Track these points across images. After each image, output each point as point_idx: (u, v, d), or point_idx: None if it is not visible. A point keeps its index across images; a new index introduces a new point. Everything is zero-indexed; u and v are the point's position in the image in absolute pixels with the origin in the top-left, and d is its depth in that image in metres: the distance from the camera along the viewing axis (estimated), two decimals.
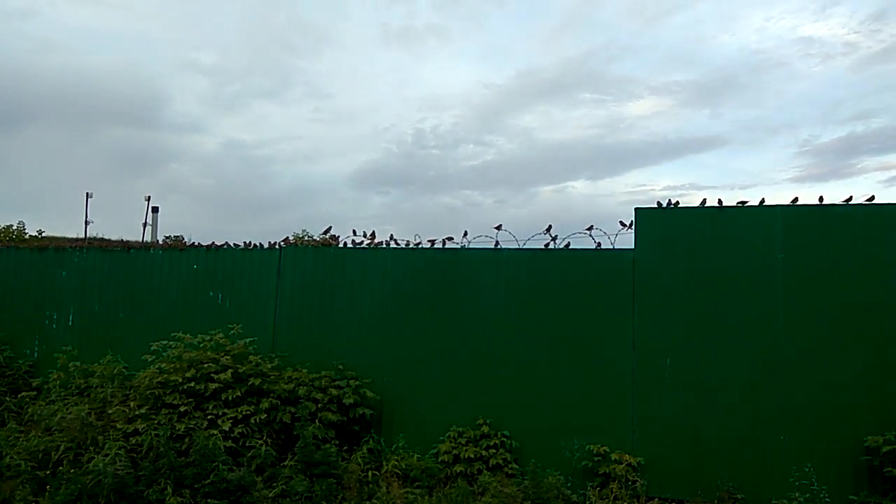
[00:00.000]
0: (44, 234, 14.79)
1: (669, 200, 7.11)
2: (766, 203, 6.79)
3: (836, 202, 6.64)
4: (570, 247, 7.39)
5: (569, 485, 6.65)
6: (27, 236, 15.30)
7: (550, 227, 7.52)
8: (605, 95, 36.37)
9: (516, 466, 6.90)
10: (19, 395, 7.87)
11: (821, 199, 6.66)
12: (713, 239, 6.87)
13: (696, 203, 7.02)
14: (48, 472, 6.40)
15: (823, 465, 6.30)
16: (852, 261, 6.50)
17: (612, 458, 6.69)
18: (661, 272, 6.97)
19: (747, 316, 6.68)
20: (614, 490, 6.47)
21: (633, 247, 7.11)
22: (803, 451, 6.37)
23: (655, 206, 7.10)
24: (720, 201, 6.91)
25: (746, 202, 6.86)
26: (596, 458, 6.75)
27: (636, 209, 7.11)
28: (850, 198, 6.61)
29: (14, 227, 15.81)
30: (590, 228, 7.36)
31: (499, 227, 7.69)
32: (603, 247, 7.25)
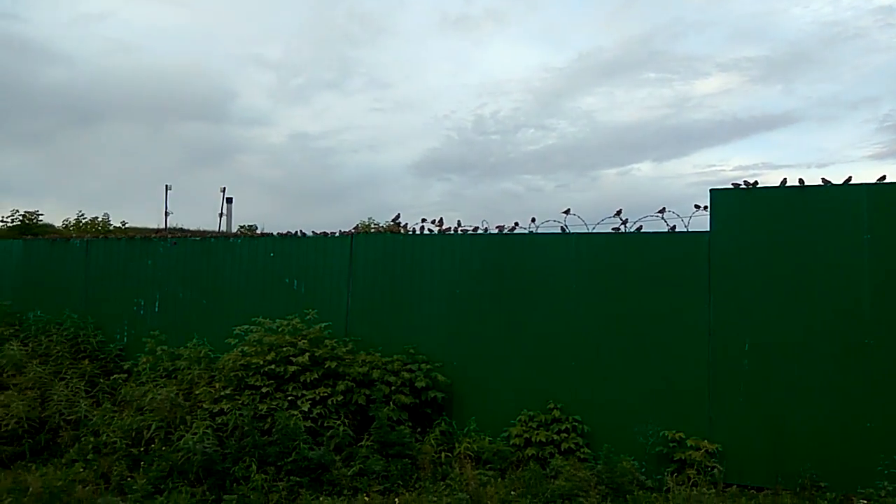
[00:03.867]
0: (127, 226, 15.61)
1: (746, 181, 6.89)
2: (851, 181, 6.49)
3: None
4: (642, 230, 7.28)
5: (643, 470, 6.60)
6: (112, 228, 16.17)
7: (620, 210, 7.43)
8: (671, 74, 35.32)
9: (588, 451, 6.89)
10: (111, 377, 8.36)
11: None
12: (794, 220, 6.62)
13: (774, 182, 6.77)
14: (141, 449, 6.77)
15: None
16: None
17: (688, 445, 6.59)
18: (739, 255, 6.78)
19: (831, 298, 6.43)
20: (691, 476, 6.38)
21: (707, 229, 6.95)
22: (892, 438, 6.11)
23: (731, 186, 6.90)
24: (801, 181, 6.66)
25: (829, 181, 6.59)
26: (671, 444, 6.67)
27: (711, 190, 6.93)
28: None
29: (100, 220, 16.72)
30: (661, 211, 7.22)
31: (567, 212, 7.65)
32: (677, 230, 7.11)
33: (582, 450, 6.87)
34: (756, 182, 6.84)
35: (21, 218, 17.73)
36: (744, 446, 6.58)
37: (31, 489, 6.14)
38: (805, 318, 6.50)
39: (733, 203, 6.85)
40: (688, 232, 7.05)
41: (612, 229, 7.41)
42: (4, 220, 17.84)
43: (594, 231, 7.46)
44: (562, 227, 7.64)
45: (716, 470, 6.38)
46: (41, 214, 18.07)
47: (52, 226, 17.74)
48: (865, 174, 6.67)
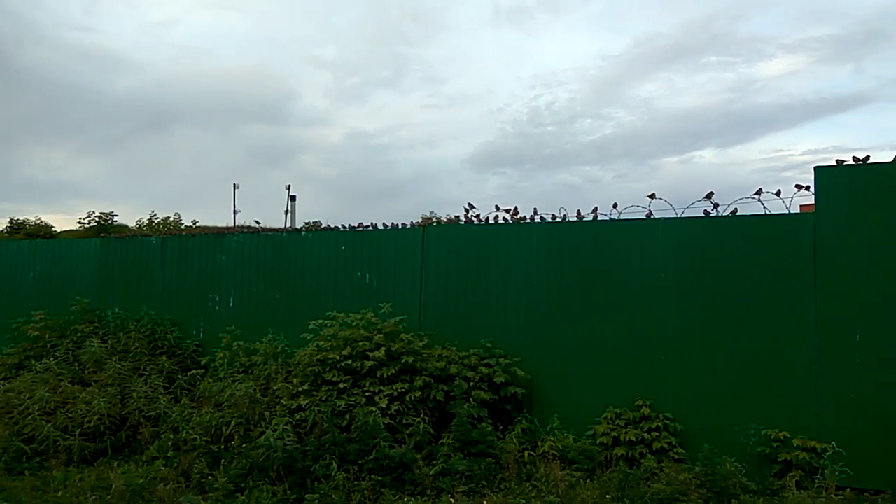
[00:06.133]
0: (198, 224, 15.92)
1: (855, 156, 6.30)
2: None
3: None
4: (737, 213, 6.78)
5: (743, 472, 6.12)
6: (183, 227, 16.52)
7: (711, 193, 6.96)
8: (734, 57, 33.92)
9: (682, 451, 6.46)
10: (189, 373, 8.36)
11: None
12: None
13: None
14: (221, 446, 6.71)
15: None
16: None
17: (794, 444, 6.09)
18: (851, 238, 6.20)
19: None
20: (798, 479, 5.87)
21: (810, 212, 6.39)
22: None
23: (836, 163, 6.32)
24: None
25: None
26: (774, 444, 6.18)
27: (817, 168, 6.36)
28: None
29: (171, 219, 17.14)
30: (758, 192, 6.72)
31: (652, 196, 7.21)
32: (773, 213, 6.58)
33: (676, 450, 6.45)
34: (868, 157, 6.25)
35: (97, 219, 18.38)
36: (857, 447, 6.01)
37: (113, 486, 6.13)
38: None
39: (842, 182, 6.26)
40: (790, 214, 6.50)
41: (704, 212, 6.93)
42: (81, 221, 18.56)
43: (683, 216, 6.99)
44: (647, 213, 7.21)
45: (826, 471, 5.85)
46: (116, 215, 18.70)
47: (126, 226, 18.30)
48: None
